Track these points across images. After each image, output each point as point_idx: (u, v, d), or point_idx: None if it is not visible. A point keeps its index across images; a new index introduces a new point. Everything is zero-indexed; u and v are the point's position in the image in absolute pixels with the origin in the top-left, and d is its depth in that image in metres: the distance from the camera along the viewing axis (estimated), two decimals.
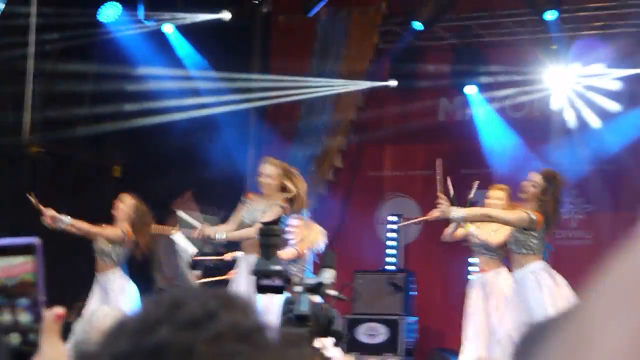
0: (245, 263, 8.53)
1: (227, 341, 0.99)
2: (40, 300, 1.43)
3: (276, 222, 6.74)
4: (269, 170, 8.65)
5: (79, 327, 2.99)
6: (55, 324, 1.43)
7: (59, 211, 9.86)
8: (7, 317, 1.42)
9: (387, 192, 13.14)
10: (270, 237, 6.54)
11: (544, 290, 8.22)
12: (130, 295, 9.17)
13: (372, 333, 11.45)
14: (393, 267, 12.54)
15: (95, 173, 11.11)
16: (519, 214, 8.27)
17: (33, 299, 1.42)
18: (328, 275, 6.52)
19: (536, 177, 8.34)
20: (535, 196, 8.26)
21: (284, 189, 8.57)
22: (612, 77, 12.01)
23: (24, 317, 1.42)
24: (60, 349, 1.43)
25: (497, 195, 8.90)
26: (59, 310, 1.45)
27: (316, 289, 6.37)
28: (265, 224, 7.05)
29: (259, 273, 6.14)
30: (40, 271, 1.43)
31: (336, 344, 6.59)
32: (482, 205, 9.40)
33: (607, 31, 12.17)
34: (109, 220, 9.48)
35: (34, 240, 1.44)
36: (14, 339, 1.42)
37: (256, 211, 8.65)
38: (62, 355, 1.44)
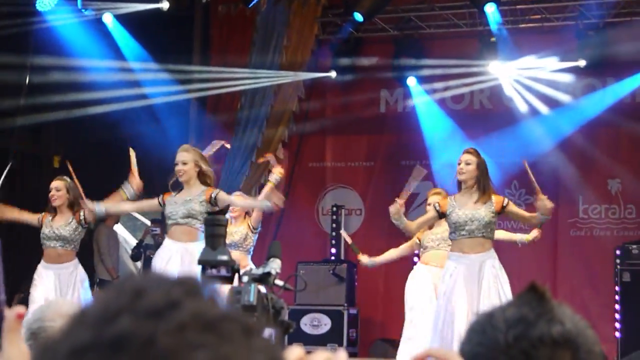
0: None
1: (190, 331, 0.96)
2: (1, 299, 1.39)
3: (223, 212, 6.70)
4: (186, 157, 8.58)
5: (32, 319, 2.92)
6: (16, 324, 1.40)
7: None
8: None
9: (329, 182, 13.15)
10: (216, 227, 6.50)
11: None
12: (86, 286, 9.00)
13: (316, 324, 11.47)
14: (335, 258, 12.56)
15: (34, 164, 10.94)
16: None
17: None
18: (275, 265, 6.50)
19: (469, 156, 8.28)
20: (474, 174, 8.21)
21: (201, 173, 8.52)
22: (549, 70, 12.12)
23: None
24: (22, 347, 1.40)
25: (434, 200, 8.86)
26: (21, 309, 1.41)
27: (263, 279, 6.34)
28: (210, 213, 7.03)
29: (206, 263, 6.10)
30: (0, 270, 1.39)
31: (284, 335, 6.58)
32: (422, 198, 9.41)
33: (546, 24, 12.29)
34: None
35: None
36: None
37: (177, 204, 8.52)
38: (23, 354, 1.40)
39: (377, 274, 12.48)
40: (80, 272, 8.99)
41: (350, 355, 11.52)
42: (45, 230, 8.90)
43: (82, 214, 8.88)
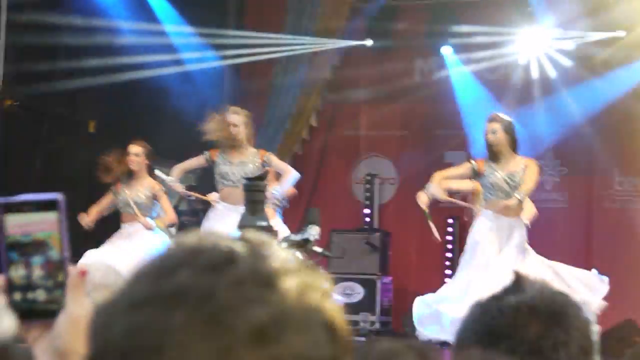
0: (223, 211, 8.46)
1: (247, 286, 0.98)
2: (65, 255, 1.39)
3: (262, 177, 6.68)
4: (238, 119, 8.59)
5: (98, 275, 2.92)
6: (80, 281, 1.40)
7: (33, 165, 9.77)
8: (21, 273, 1.38)
9: (363, 151, 13.12)
10: (255, 192, 6.49)
11: None
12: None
13: (349, 292, 11.47)
14: (369, 227, 12.55)
15: (69, 128, 10.96)
16: None
17: (48, 257, 1.38)
18: (313, 232, 6.49)
19: (493, 125, 8.42)
20: (503, 140, 8.34)
21: (249, 135, 8.55)
22: (587, 40, 12.00)
23: (38, 274, 1.38)
24: (86, 305, 1.40)
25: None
26: (84, 266, 1.42)
27: (302, 244, 6.33)
28: (249, 179, 7.01)
29: (245, 228, 6.09)
30: (63, 227, 1.39)
31: None
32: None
33: None
34: (85, 176, 9.35)
35: (57, 196, 1.40)
36: (40, 294, 1.39)
37: (233, 164, 8.56)
38: (87, 312, 1.41)
39: (410, 243, 12.46)
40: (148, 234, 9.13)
41: (383, 323, 11.54)
42: (120, 198, 9.08)
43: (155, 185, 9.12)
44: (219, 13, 12.68)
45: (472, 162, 8.62)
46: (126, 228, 9.19)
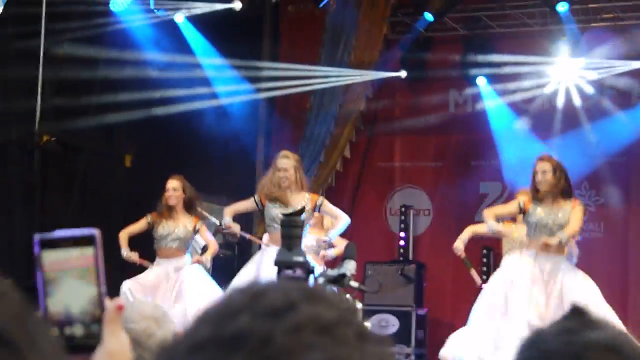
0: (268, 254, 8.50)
1: (307, 333, 0.99)
2: (102, 291, 1.41)
3: (299, 213, 6.70)
4: (288, 164, 8.63)
5: (134, 323, 2.95)
6: (116, 315, 1.43)
7: (70, 201, 9.85)
8: (60, 309, 1.41)
9: (397, 183, 13.12)
10: (293, 228, 6.51)
11: None
12: None
13: (384, 324, 11.44)
14: (404, 259, 12.53)
15: (106, 163, 11.05)
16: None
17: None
18: (350, 267, 6.49)
19: (544, 165, 8.42)
20: (552, 181, 8.35)
21: (300, 179, 8.58)
22: (624, 70, 11.97)
23: (76, 309, 1.41)
24: (123, 339, 1.43)
25: (521, 198, 8.83)
26: (121, 301, 1.44)
27: (339, 280, 6.33)
28: (287, 215, 7.04)
29: (282, 264, 6.11)
30: (100, 262, 1.42)
31: None
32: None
33: (619, 23, 12.13)
34: (121, 210, 9.42)
35: (94, 231, 1.42)
36: (77, 329, 1.41)
37: (283, 209, 8.59)
38: (124, 346, 1.44)
39: (445, 274, 12.43)
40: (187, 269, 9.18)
41: (419, 356, 11.49)
42: (159, 232, 9.11)
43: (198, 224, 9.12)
44: (254, 46, 12.77)
45: (520, 200, 8.60)
46: (164, 265, 9.21)
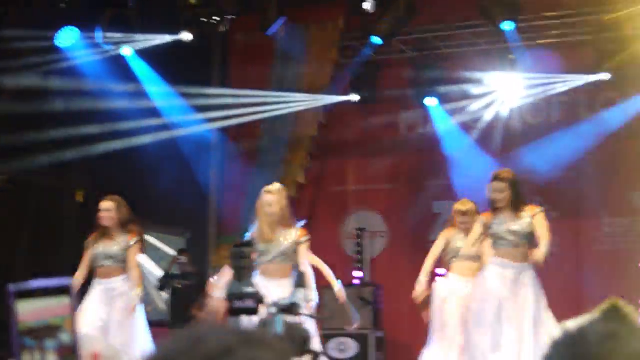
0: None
1: None
2: (78, 339, 1.43)
3: (248, 244, 6.71)
4: (271, 199, 8.58)
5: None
6: None
7: (22, 238, 9.77)
8: (37, 358, 1.43)
9: (351, 206, 13.16)
10: (242, 259, 6.53)
11: None
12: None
13: (342, 348, 11.46)
14: (360, 281, 12.56)
15: (57, 199, 10.99)
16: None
17: (60, 341, 1.43)
18: (301, 296, 6.51)
19: (498, 184, 8.51)
20: (508, 198, 8.46)
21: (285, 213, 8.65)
22: (570, 86, 12.11)
23: (52, 359, 1.43)
24: None
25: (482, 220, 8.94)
26: (96, 349, 1.47)
27: (291, 309, 6.35)
28: (236, 246, 7.05)
29: (232, 296, 6.12)
30: (75, 312, 1.44)
31: None
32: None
33: (564, 40, 12.28)
34: (72, 246, 9.36)
35: (69, 281, 1.45)
36: None
37: (268, 243, 8.60)
38: None
39: (402, 296, 12.46)
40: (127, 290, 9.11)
41: None
42: (95, 251, 9.07)
43: (132, 240, 9.06)
44: (203, 75, 12.79)
45: (481, 220, 8.73)
46: (103, 284, 9.14)
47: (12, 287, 1.43)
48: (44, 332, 1.43)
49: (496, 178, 8.59)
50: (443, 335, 9.42)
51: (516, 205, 8.51)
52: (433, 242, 10.04)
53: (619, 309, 1.63)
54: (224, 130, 12.95)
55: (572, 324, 1.65)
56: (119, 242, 9.14)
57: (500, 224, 8.54)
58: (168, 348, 1.05)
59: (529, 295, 8.55)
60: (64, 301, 1.43)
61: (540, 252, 8.36)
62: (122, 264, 9.16)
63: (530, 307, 8.43)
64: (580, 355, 1.57)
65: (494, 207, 8.58)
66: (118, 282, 9.13)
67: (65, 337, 1.43)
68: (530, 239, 8.52)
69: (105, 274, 9.12)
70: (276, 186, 8.66)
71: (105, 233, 9.13)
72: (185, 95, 12.04)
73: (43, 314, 1.43)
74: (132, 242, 9.16)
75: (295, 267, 8.54)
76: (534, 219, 8.54)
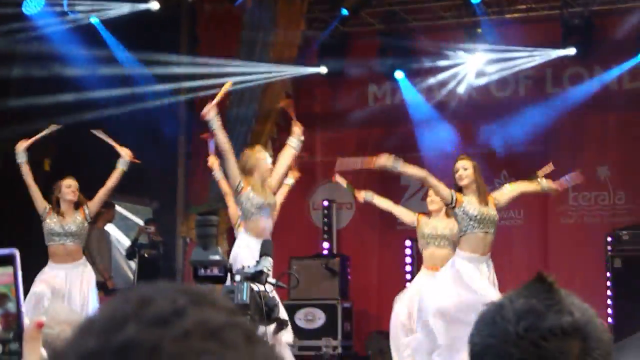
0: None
1: (195, 339, 0.98)
2: (20, 309, 1.43)
3: (214, 212, 6.75)
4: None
5: (49, 328, 2.96)
6: (36, 333, 1.44)
7: None
8: None
9: (319, 177, 13.20)
10: (207, 227, 6.55)
11: None
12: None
13: (310, 318, 11.52)
14: (328, 252, 12.62)
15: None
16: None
17: (6, 310, 1.43)
18: (267, 264, 6.54)
19: (465, 162, 8.44)
20: (472, 177, 8.36)
21: None
22: (537, 60, 12.18)
23: None
24: (43, 357, 1.45)
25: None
26: (40, 319, 1.46)
27: (256, 277, 6.39)
28: (201, 214, 7.08)
29: (197, 263, 6.15)
30: (19, 281, 1.44)
31: (278, 331, 6.62)
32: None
33: (531, 14, 12.35)
34: (38, 216, 9.31)
35: (13, 251, 1.45)
36: None
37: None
38: None
39: (369, 267, 12.56)
40: (89, 271, 9.06)
41: (345, 348, 11.60)
42: (54, 226, 8.97)
43: (85, 209, 9.00)
44: (171, 45, 12.69)
45: (453, 193, 8.51)
46: (63, 269, 9.03)
47: None
48: None
49: (461, 158, 8.53)
50: None
51: (482, 190, 8.37)
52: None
53: (544, 283, 1.60)
54: (191, 101, 12.92)
55: (497, 299, 1.63)
56: (75, 219, 9.06)
57: (474, 204, 8.36)
58: (113, 310, 1.02)
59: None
60: (7, 271, 1.44)
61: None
62: (80, 242, 9.09)
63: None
64: (499, 333, 1.56)
65: (458, 188, 8.47)
66: (80, 266, 9.04)
67: (11, 306, 1.43)
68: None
69: (64, 253, 9.05)
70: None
71: (62, 209, 9.05)
72: (153, 64, 11.97)
73: None
74: (86, 210, 9.08)
75: None
76: (499, 200, 8.47)
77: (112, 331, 0.99)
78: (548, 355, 1.53)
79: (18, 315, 1.44)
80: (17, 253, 1.44)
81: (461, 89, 12.65)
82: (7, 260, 1.44)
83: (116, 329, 0.99)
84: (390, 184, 12.64)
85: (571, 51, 11.96)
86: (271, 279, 6.63)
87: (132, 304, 1.01)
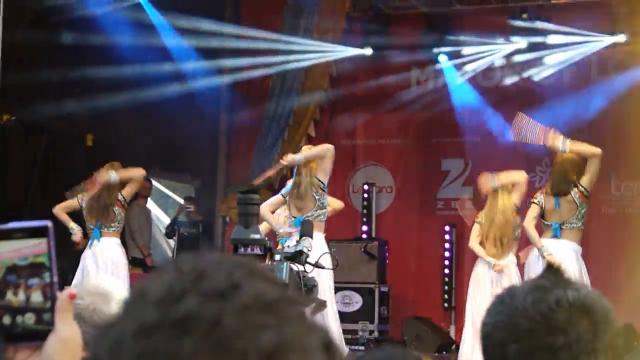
0: None
1: (253, 313, 0.99)
2: (54, 280, 1.45)
3: (255, 190, 6.73)
4: None
5: (80, 299, 2.97)
6: (68, 304, 1.46)
7: (30, 182, 9.80)
8: (20, 296, 1.45)
9: (360, 160, 13.16)
10: (249, 205, 6.53)
11: None
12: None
13: (347, 301, 11.51)
14: (366, 236, 12.59)
15: (67, 142, 11.00)
16: None
17: (44, 280, 1.44)
18: (307, 244, 6.53)
19: None
20: None
21: None
22: (586, 47, 12.05)
23: (36, 297, 1.45)
24: (75, 328, 1.46)
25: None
26: (72, 290, 1.48)
27: (295, 257, 6.38)
28: (243, 192, 7.05)
29: (238, 242, 6.13)
30: (52, 253, 1.45)
31: (316, 312, 6.61)
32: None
33: (578, 0, 12.22)
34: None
35: (46, 223, 1.46)
36: (29, 319, 1.45)
37: None
38: (76, 334, 1.47)
39: (408, 251, 12.51)
40: (119, 251, 9.09)
41: (382, 332, 11.58)
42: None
43: (119, 195, 9.00)
44: (216, 15, 12.55)
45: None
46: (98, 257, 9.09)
47: None
48: (28, 269, 1.45)
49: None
50: None
51: None
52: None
53: (552, 268, 1.67)
54: (234, 81, 12.90)
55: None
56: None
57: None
58: (169, 282, 1.02)
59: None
60: (42, 242, 1.44)
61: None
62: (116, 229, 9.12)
63: None
64: (508, 309, 1.61)
65: None
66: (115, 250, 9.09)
67: (47, 276, 1.45)
68: None
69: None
70: None
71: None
72: (197, 34, 11.81)
73: (25, 252, 1.45)
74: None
75: None
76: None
77: (171, 303, 1.00)
78: (557, 326, 1.59)
79: (51, 285, 1.45)
80: (50, 225, 1.45)
81: (504, 75, 12.55)
82: (42, 232, 1.45)
83: (175, 301, 1.00)
84: (431, 170, 12.61)
85: (621, 38, 11.83)
86: (310, 260, 6.61)
87: (189, 276, 1.02)
